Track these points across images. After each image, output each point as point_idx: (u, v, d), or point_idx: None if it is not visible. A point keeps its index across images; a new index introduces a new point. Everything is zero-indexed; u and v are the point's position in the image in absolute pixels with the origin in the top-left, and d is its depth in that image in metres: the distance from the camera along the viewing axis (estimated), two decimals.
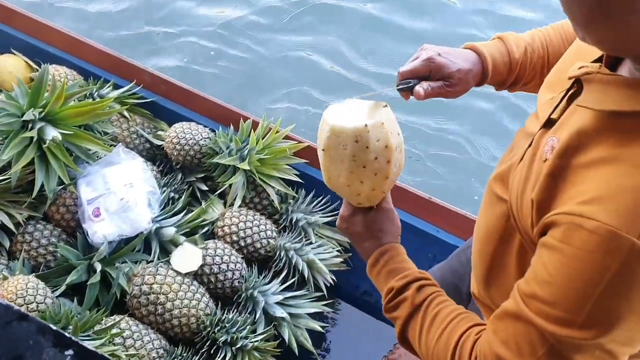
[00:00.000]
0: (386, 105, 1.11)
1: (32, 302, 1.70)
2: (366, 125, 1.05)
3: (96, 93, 2.16)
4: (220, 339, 1.76)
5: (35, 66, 2.32)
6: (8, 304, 1.24)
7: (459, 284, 1.54)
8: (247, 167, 1.99)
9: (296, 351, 1.88)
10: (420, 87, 1.12)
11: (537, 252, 0.89)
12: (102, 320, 1.74)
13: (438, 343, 1.00)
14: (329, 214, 2.11)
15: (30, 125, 1.86)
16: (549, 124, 0.97)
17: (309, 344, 1.91)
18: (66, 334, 1.23)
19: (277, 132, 2.08)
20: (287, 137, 2.11)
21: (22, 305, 1.68)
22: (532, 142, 0.98)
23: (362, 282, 2.19)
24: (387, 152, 1.08)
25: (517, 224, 0.98)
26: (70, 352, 1.22)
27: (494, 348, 0.91)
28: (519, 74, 1.24)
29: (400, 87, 1.13)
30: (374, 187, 1.11)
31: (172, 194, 2.07)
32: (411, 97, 1.16)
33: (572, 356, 0.85)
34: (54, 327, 1.19)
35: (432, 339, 1.01)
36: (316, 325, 1.94)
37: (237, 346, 1.75)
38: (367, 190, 1.12)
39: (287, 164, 2.09)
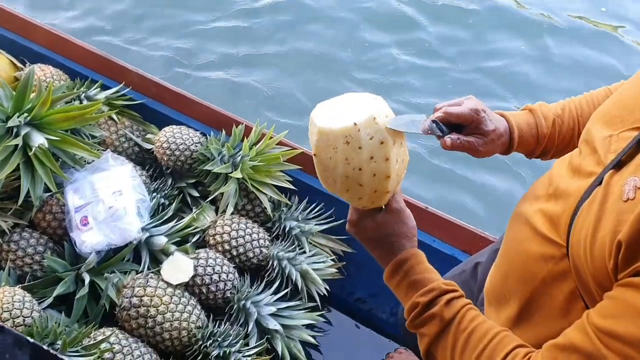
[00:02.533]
0: (377, 98, 1.04)
1: (19, 316, 1.65)
2: (355, 123, 0.98)
3: (83, 95, 2.10)
4: (213, 354, 1.72)
5: (20, 65, 2.25)
6: None
7: None
8: (240, 176, 1.94)
9: None
10: (449, 137, 1.09)
11: (623, 291, 0.84)
12: (91, 333, 1.69)
13: None
14: (323, 222, 2.07)
15: (15, 131, 1.80)
16: (618, 164, 0.93)
17: (302, 356, 1.88)
18: (44, 346, 1.19)
19: (271, 137, 2.03)
20: (280, 143, 2.06)
21: (8, 320, 1.63)
22: (601, 182, 0.94)
23: (356, 289, 2.17)
24: (384, 148, 1.00)
25: (579, 268, 0.92)
26: None
27: None
28: (547, 146, 1.23)
29: (433, 128, 1.08)
30: (376, 188, 1.03)
31: (162, 200, 2.02)
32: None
33: None
34: (31, 340, 1.15)
35: (468, 358, 0.96)
36: (310, 337, 1.91)
37: None
38: (368, 192, 1.04)
39: (280, 171, 2.05)
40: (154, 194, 2.00)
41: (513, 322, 1.09)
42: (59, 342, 1.59)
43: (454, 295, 1.02)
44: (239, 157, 1.98)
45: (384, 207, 1.09)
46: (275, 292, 1.93)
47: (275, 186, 2.04)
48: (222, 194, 2.00)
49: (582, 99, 1.26)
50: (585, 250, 0.90)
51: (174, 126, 2.10)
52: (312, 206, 2.08)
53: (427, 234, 1.95)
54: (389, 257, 1.07)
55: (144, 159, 2.15)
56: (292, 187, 2.05)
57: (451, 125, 1.11)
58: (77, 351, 1.61)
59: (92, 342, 1.64)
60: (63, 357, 1.29)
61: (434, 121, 1.08)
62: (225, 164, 1.98)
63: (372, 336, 2.11)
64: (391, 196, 1.08)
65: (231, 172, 1.96)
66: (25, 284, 1.78)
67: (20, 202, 1.80)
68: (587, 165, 0.99)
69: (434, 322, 1.00)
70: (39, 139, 1.79)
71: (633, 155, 0.92)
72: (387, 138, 1.00)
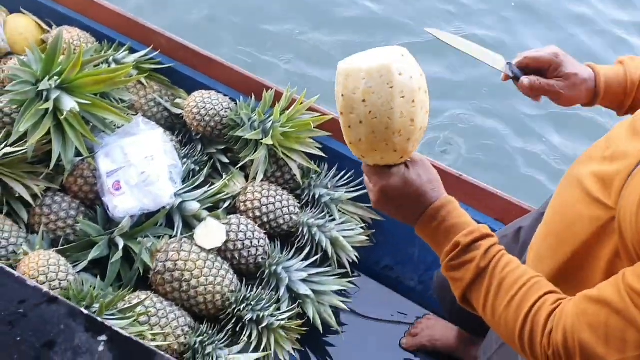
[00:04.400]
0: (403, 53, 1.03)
1: (55, 280, 1.66)
2: (388, 61, 0.98)
3: (111, 58, 2.07)
4: (246, 317, 1.73)
5: (46, 27, 2.22)
6: (36, 286, 1.18)
7: None
8: (270, 142, 1.92)
9: (321, 329, 1.86)
10: (527, 78, 1.12)
11: None
12: (126, 297, 1.71)
13: (508, 308, 0.98)
14: (353, 189, 2.06)
15: (45, 95, 1.78)
16: None
17: (333, 321, 1.90)
18: (99, 318, 1.19)
19: (302, 103, 2.00)
20: (310, 109, 2.04)
21: (45, 283, 1.64)
22: None
23: (384, 257, 2.17)
24: (413, 91, 0.99)
25: (624, 233, 0.93)
26: (103, 337, 1.18)
27: (578, 329, 0.89)
28: (637, 98, 1.21)
29: (509, 69, 1.12)
30: (401, 129, 1.01)
31: (192, 166, 2.01)
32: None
33: None
34: (86, 311, 1.15)
35: (500, 303, 0.99)
36: (340, 303, 1.92)
37: (263, 325, 1.72)
38: (394, 133, 1.01)
39: (310, 137, 2.03)
40: (185, 159, 1.99)
41: (553, 279, 1.08)
42: (96, 305, 1.60)
43: (492, 242, 1.03)
44: (270, 123, 1.96)
45: (406, 162, 1.08)
46: (305, 259, 1.93)
47: (305, 153, 2.02)
48: (251, 160, 1.99)
49: None
50: (632, 216, 0.90)
51: (204, 91, 2.07)
52: (342, 174, 2.07)
53: (460, 202, 1.93)
54: (423, 206, 1.06)
55: (173, 124, 2.14)
56: (321, 154, 2.04)
57: (530, 70, 1.15)
58: (113, 314, 1.62)
59: (127, 306, 1.65)
60: (118, 329, 1.28)
61: (509, 63, 1.12)
62: (255, 130, 1.97)
63: (400, 302, 2.12)
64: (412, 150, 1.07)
65: (262, 139, 1.94)
66: (59, 247, 1.79)
67: (52, 166, 1.80)
68: None
69: (470, 266, 1.01)
70: (70, 103, 1.77)
71: None
72: (415, 82, 1.00)
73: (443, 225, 1.05)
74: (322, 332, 1.87)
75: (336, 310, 1.95)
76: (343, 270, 1.97)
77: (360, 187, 2.07)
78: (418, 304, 2.12)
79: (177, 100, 2.13)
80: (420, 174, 1.07)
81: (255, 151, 1.97)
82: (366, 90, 0.99)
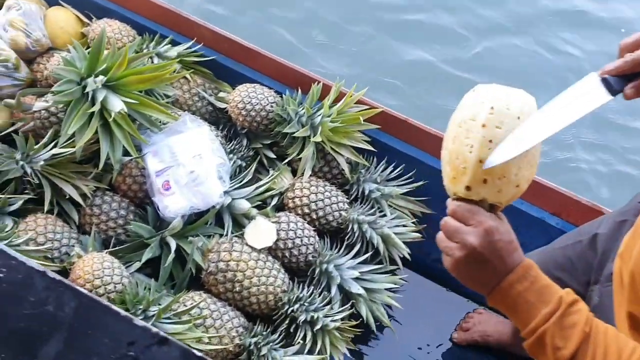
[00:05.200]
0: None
1: (110, 283, 1.65)
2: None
3: (155, 51, 2.03)
4: (300, 318, 1.72)
5: (86, 20, 2.18)
6: (144, 325, 1.12)
7: (565, 278, 1.46)
8: (319, 139, 1.88)
9: (374, 328, 1.85)
10: (631, 88, 0.96)
11: None
12: (181, 298, 1.70)
13: None
14: (403, 183, 2.01)
15: (92, 94, 1.76)
16: None
17: (385, 319, 1.88)
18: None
19: (351, 96, 1.95)
20: (359, 102, 1.98)
21: (100, 287, 1.64)
22: None
23: (433, 250, 2.11)
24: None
25: None
26: None
27: None
28: None
29: (606, 92, 0.96)
30: (534, 167, 0.97)
31: (239, 162, 1.98)
32: None
33: None
34: (199, 354, 1.09)
35: None
36: (392, 300, 1.89)
37: (318, 327, 1.71)
38: (527, 172, 0.96)
39: (359, 131, 1.98)
40: (231, 155, 1.96)
41: None
42: (153, 308, 1.60)
43: (585, 305, 0.96)
44: (319, 118, 1.91)
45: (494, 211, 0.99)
46: (355, 256, 1.90)
47: (353, 147, 1.98)
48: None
49: None
50: None
51: (248, 84, 2.03)
52: (391, 167, 2.03)
53: None
54: (513, 263, 0.96)
55: (218, 119, 2.10)
56: (370, 147, 1.99)
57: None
58: (169, 318, 1.62)
59: (183, 309, 1.65)
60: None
61: (604, 79, 0.95)
62: (303, 126, 1.92)
63: (450, 297, 2.09)
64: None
65: (310, 136, 1.90)
66: (111, 249, 1.78)
67: (100, 167, 1.78)
68: None
69: (574, 331, 0.93)
70: (117, 104, 1.74)
71: None
72: None
73: (536, 285, 0.95)
74: (374, 330, 1.86)
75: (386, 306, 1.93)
76: (394, 267, 1.95)
77: (410, 180, 2.02)
78: (469, 298, 2.09)
79: (221, 94, 2.09)
80: (510, 227, 0.98)
81: (303, 148, 1.93)
82: (524, 112, 0.94)
